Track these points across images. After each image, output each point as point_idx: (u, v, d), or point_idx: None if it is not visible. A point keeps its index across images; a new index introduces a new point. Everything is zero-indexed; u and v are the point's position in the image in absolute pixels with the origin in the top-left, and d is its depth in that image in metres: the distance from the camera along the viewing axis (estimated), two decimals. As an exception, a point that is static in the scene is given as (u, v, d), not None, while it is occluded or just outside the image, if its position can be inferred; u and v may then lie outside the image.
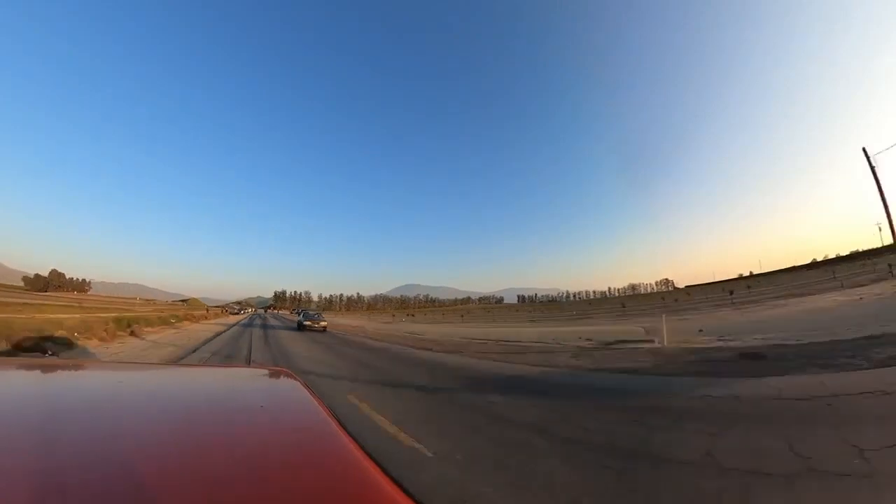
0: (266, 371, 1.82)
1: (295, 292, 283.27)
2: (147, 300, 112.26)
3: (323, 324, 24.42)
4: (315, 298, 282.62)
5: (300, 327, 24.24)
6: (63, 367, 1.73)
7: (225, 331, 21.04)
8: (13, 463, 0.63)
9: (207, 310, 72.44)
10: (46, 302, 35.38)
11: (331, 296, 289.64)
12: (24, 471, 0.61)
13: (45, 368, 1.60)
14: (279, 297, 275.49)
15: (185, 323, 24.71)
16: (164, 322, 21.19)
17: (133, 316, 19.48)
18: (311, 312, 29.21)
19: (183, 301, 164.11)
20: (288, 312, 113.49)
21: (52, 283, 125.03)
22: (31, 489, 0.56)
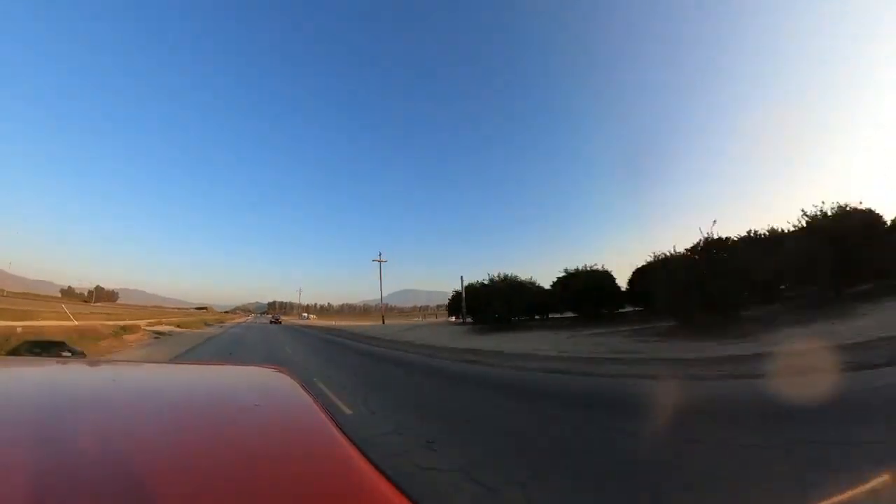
0: (261, 369, 1.71)
1: (281, 301, 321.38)
2: (178, 308, 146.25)
3: (281, 321, 62.45)
4: (296, 304, 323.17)
5: (271, 322, 60.06)
6: (57, 367, 1.68)
7: (246, 321, 63.32)
8: (10, 460, 0.63)
9: (236, 312, 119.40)
10: (129, 311, 58.00)
11: (307, 305, 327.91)
12: (20, 468, 0.60)
13: (41, 367, 1.60)
14: (271, 305, 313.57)
15: (235, 318, 66.01)
16: (224, 320, 59.98)
17: (208, 318, 57.18)
18: (276, 315, 70.74)
19: (203, 308, 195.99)
20: (297, 318, 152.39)
21: (97, 295, 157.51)
22: (27, 486, 0.55)
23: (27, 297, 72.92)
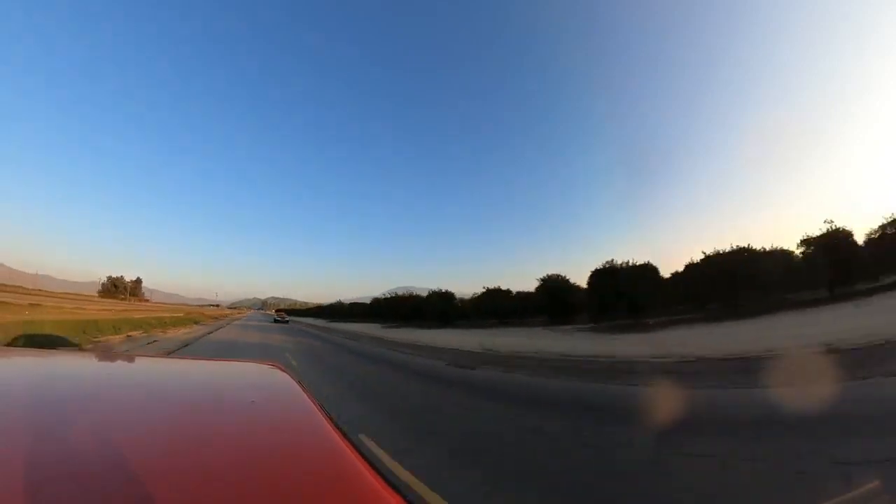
0: (258, 365, 1.69)
1: (276, 297, 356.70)
2: (206, 306, 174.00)
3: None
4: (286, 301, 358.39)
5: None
6: (54, 359, 1.63)
7: (251, 313, 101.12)
8: (3, 452, 0.62)
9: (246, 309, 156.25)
10: (187, 307, 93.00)
11: (295, 302, 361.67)
12: (13, 460, 0.59)
13: (37, 360, 1.56)
14: (265, 303, 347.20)
15: (248, 312, 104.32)
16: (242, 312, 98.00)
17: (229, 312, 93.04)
18: (281, 314, 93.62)
19: (215, 305, 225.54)
20: (272, 312, 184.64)
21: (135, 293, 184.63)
22: (19, 478, 0.54)
23: (67, 297, 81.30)
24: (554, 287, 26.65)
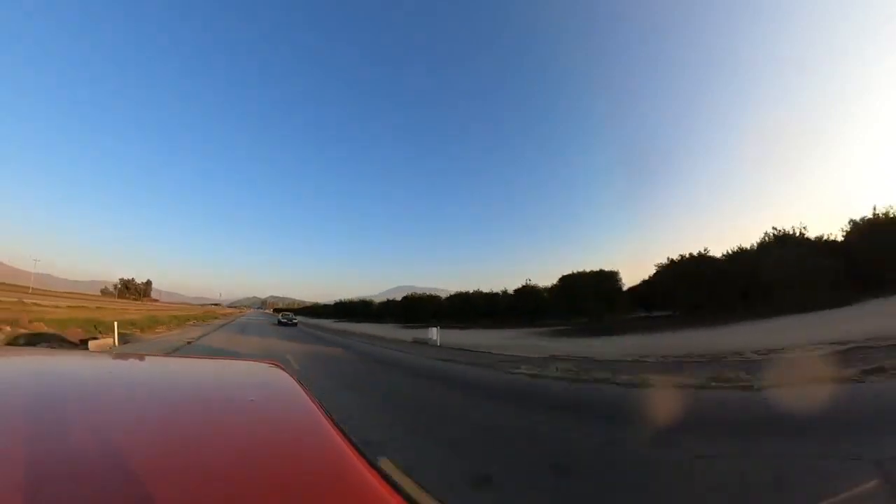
0: (257, 364, 1.71)
1: (275, 296, 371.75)
2: (207, 305, 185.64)
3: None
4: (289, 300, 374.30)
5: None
6: (53, 358, 1.64)
7: (251, 312, 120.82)
8: (4, 452, 0.62)
9: (246, 308, 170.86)
10: (193, 306, 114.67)
11: (294, 301, 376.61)
12: (11, 459, 0.59)
13: (36, 359, 1.57)
14: (264, 302, 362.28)
15: (248, 312, 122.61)
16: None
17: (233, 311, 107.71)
18: (288, 315, 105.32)
19: (216, 304, 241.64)
20: (271, 312, 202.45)
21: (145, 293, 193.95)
22: (18, 477, 0.54)
23: (73, 297, 74.98)
24: (414, 301, 47.51)
